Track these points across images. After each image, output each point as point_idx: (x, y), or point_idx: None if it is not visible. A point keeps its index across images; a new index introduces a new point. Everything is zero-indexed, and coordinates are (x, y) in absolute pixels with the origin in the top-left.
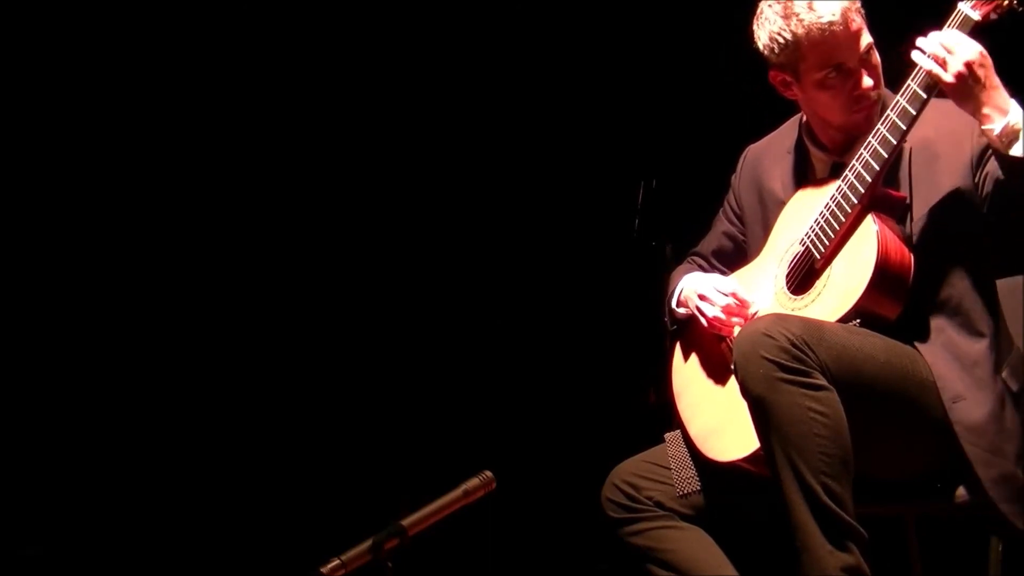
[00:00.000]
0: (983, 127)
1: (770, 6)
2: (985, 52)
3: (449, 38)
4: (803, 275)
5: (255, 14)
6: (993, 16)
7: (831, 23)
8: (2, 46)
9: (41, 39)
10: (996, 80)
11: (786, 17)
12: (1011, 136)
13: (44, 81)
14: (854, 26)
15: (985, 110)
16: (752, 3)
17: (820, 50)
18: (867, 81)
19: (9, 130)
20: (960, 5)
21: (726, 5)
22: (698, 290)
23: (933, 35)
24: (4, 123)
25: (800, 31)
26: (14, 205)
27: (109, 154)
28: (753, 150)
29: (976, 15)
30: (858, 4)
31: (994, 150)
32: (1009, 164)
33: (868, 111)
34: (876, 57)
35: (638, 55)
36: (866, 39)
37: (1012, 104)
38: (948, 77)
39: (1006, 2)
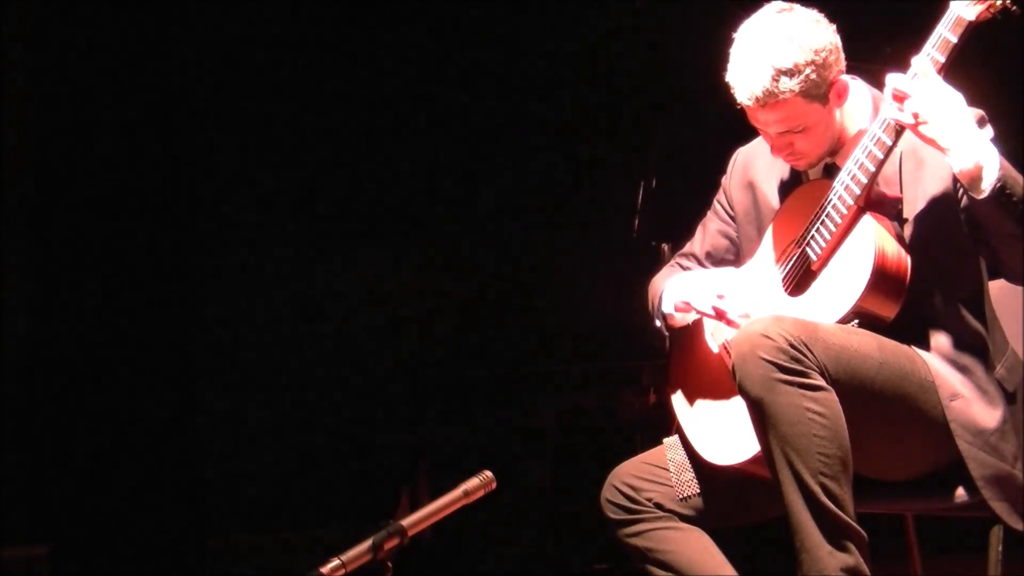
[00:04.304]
0: (945, 159)
1: (732, 42)
2: (941, 94)
3: (446, 35)
4: (800, 276)
5: None
6: (987, 16)
7: (747, 98)
8: None
9: None
10: (957, 118)
11: (727, 67)
12: (970, 177)
13: None
14: (772, 104)
15: (943, 145)
16: (752, 5)
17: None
18: (778, 150)
19: None
20: (952, 5)
21: (725, 6)
22: (713, 290)
23: (891, 77)
24: None
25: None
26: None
27: None
28: (744, 152)
29: (970, 15)
30: (797, 79)
31: (960, 183)
32: (971, 200)
33: (794, 160)
34: (810, 120)
35: (638, 54)
36: (798, 115)
37: (972, 143)
38: (905, 118)
39: (999, 2)
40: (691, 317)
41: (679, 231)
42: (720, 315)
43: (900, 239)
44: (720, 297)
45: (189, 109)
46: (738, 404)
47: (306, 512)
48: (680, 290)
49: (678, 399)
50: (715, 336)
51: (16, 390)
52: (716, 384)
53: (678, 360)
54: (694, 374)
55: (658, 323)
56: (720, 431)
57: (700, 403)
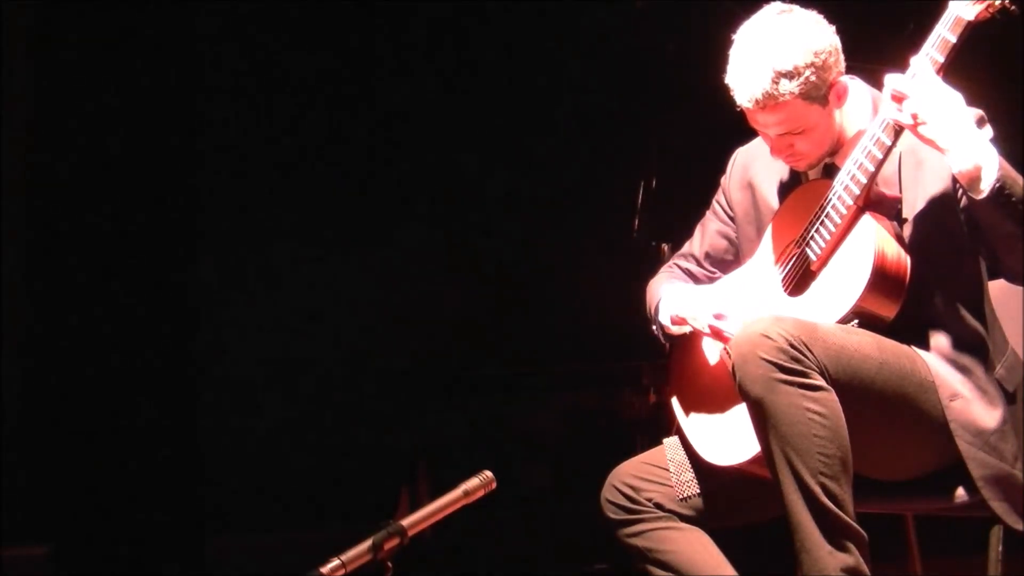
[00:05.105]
0: (945, 159)
1: (731, 43)
2: (940, 94)
3: (447, 34)
4: (800, 276)
5: None
6: (986, 16)
7: (747, 100)
8: None
9: None
10: (956, 118)
11: (727, 69)
12: (969, 177)
13: None
14: (772, 106)
15: (942, 145)
16: (752, 6)
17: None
18: (778, 151)
19: None
20: (952, 5)
21: (725, 7)
22: (711, 309)
23: (890, 78)
24: None
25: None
26: None
27: None
28: (744, 152)
29: (969, 15)
30: (797, 81)
31: (959, 184)
32: (970, 200)
33: (794, 161)
34: (810, 122)
35: (638, 54)
36: (798, 117)
37: (971, 143)
38: (904, 119)
39: (998, 2)
40: (687, 329)
41: (679, 231)
42: (717, 334)
43: (900, 239)
44: (718, 317)
45: (189, 108)
46: (738, 404)
47: (306, 512)
48: (677, 304)
49: (678, 399)
50: None
51: (16, 389)
52: (716, 384)
53: (678, 360)
54: (694, 374)
55: (655, 329)
56: (720, 431)
57: (700, 403)
